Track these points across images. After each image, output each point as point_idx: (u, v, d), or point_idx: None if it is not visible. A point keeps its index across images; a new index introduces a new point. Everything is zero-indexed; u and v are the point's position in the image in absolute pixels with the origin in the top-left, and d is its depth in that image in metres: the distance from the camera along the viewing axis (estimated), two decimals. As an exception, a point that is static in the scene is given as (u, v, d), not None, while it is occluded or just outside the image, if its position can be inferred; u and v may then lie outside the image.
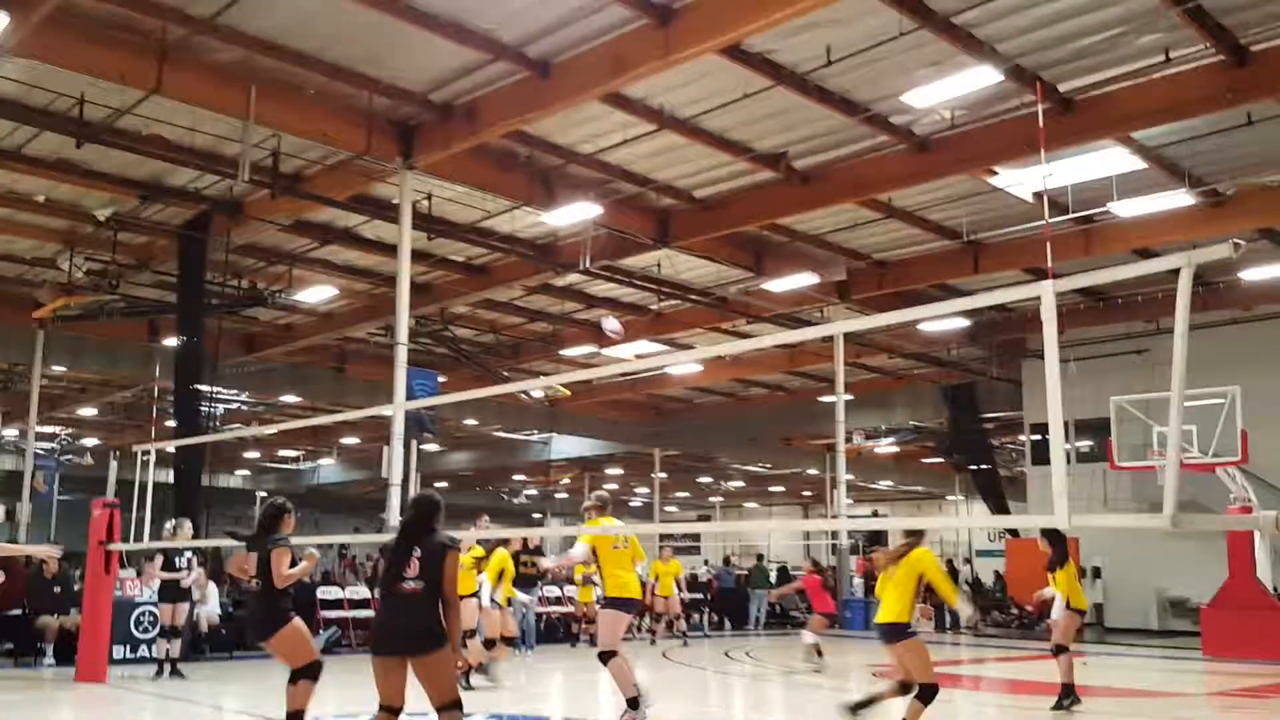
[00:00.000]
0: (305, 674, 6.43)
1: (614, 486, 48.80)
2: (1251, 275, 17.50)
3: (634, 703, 7.49)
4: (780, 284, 18.26)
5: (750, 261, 17.94)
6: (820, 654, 12.95)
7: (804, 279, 17.88)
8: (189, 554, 11.67)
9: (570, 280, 19.18)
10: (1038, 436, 23.52)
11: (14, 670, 11.93)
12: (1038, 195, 14.59)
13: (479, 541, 10.93)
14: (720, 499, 50.45)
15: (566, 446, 34.35)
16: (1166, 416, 4.27)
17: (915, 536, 7.06)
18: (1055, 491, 4.29)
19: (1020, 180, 14.28)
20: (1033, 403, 23.45)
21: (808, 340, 21.21)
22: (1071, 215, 15.06)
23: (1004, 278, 17.61)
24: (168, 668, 11.26)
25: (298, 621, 6.60)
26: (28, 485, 21.97)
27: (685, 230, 16.27)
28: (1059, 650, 9.30)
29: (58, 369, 23.60)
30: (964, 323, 21.67)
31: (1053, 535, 9.48)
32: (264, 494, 44.15)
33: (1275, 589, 15.66)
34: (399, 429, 14.07)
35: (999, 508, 26.22)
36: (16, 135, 13.36)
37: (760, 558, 26.27)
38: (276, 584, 6.50)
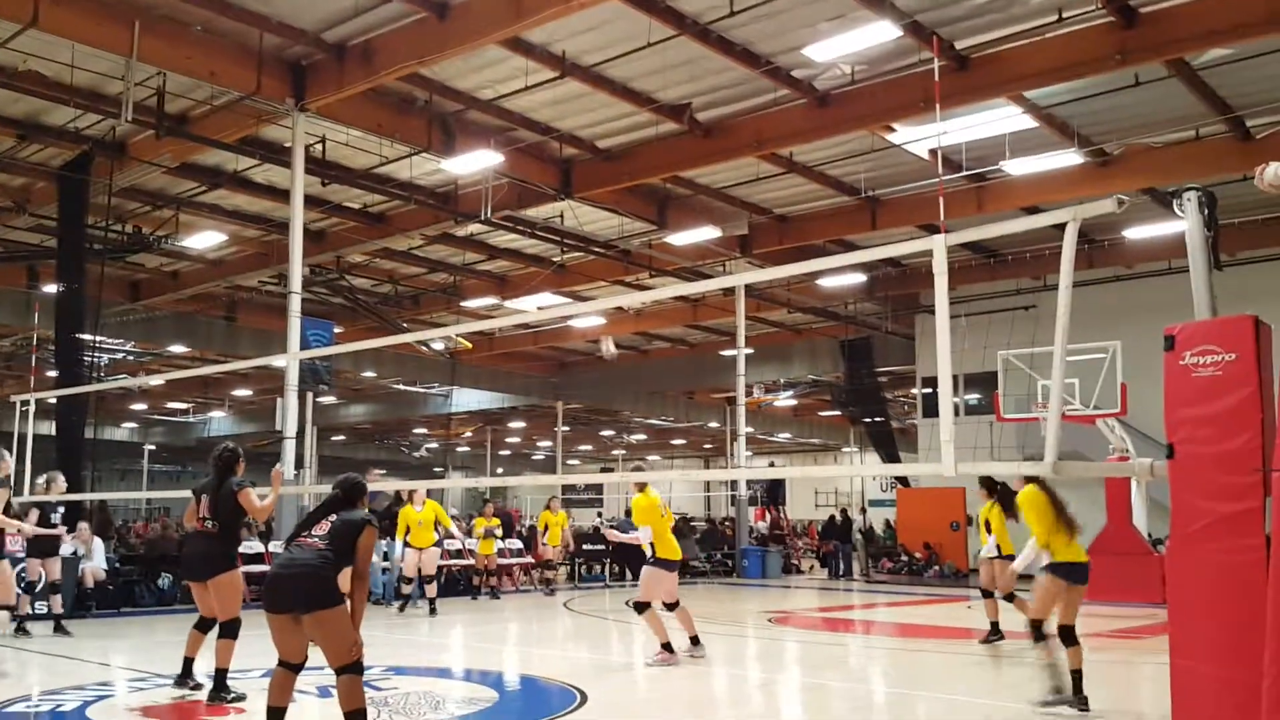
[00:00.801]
0: (230, 631, 6.72)
1: (515, 440, 48.73)
2: (1134, 233, 18.25)
3: (668, 646, 8.73)
4: (683, 237, 18.31)
5: (653, 214, 17.95)
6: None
7: (706, 232, 17.96)
8: (62, 509, 11.35)
9: (471, 230, 18.89)
10: (929, 390, 24.26)
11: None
12: (933, 152, 14.90)
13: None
14: (623, 452, 50.84)
15: (468, 399, 34.06)
16: (1050, 371, 4.43)
17: None
18: (943, 439, 4.42)
19: (916, 137, 14.56)
20: (925, 356, 24.15)
21: (709, 292, 21.43)
22: (965, 173, 15.44)
23: (900, 234, 18.00)
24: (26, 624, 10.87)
25: (240, 573, 6.98)
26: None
27: (588, 181, 16.15)
28: (1009, 598, 9.99)
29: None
30: (861, 278, 22.11)
31: (989, 483, 9.99)
32: (151, 447, 42.76)
33: (1149, 536, 16.50)
34: (293, 380, 13.75)
35: (890, 458, 27.04)
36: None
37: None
38: (257, 517, 7.15)
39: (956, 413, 4.78)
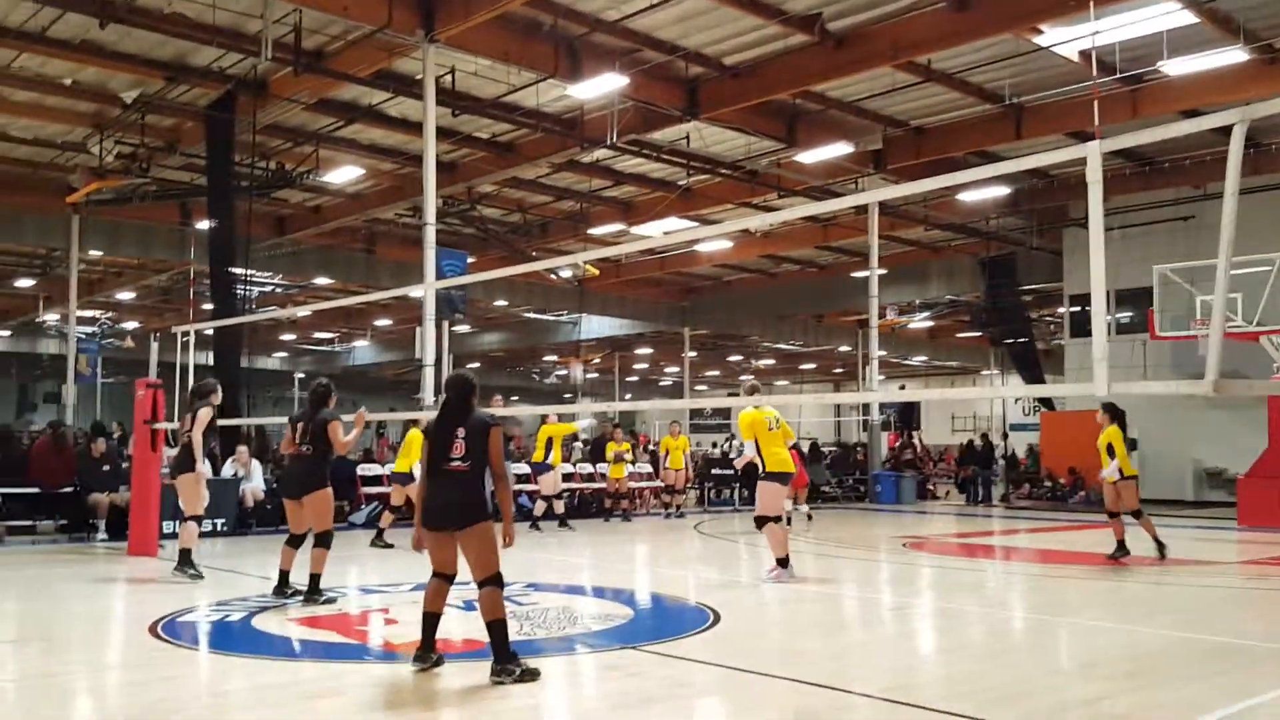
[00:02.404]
0: (324, 541, 7.56)
1: (643, 366, 49.11)
2: (1305, 137, 16.84)
3: (784, 561, 8.99)
4: (813, 155, 17.83)
5: (782, 132, 17.49)
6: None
7: (838, 149, 17.44)
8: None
9: (597, 156, 18.85)
10: (1077, 308, 23.19)
11: (68, 545, 12.38)
12: (1084, 54, 13.98)
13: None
14: (750, 377, 50.66)
15: (596, 326, 34.43)
16: (1211, 285, 4.13)
17: None
18: (1095, 358, 4.19)
19: (1066, 38, 13.68)
20: (1073, 273, 23.03)
21: (841, 211, 20.84)
22: (1119, 75, 14.46)
23: (1047, 143, 17.06)
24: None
25: (330, 491, 7.73)
26: (71, 369, 22.43)
27: (714, 101, 15.84)
28: (1113, 515, 10.64)
29: (94, 253, 23.80)
30: (1004, 190, 21.15)
31: (1111, 408, 10.42)
32: (301, 375, 44.90)
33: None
34: (430, 309, 14.11)
35: (1033, 380, 26.09)
36: (40, 17, 13.15)
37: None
38: (339, 450, 7.60)
39: (1108, 331, 4.51)
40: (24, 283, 28.02)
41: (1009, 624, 7.73)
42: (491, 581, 5.17)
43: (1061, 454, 21.76)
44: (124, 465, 13.14)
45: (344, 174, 19.33)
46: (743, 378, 10.36)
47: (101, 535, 12.71)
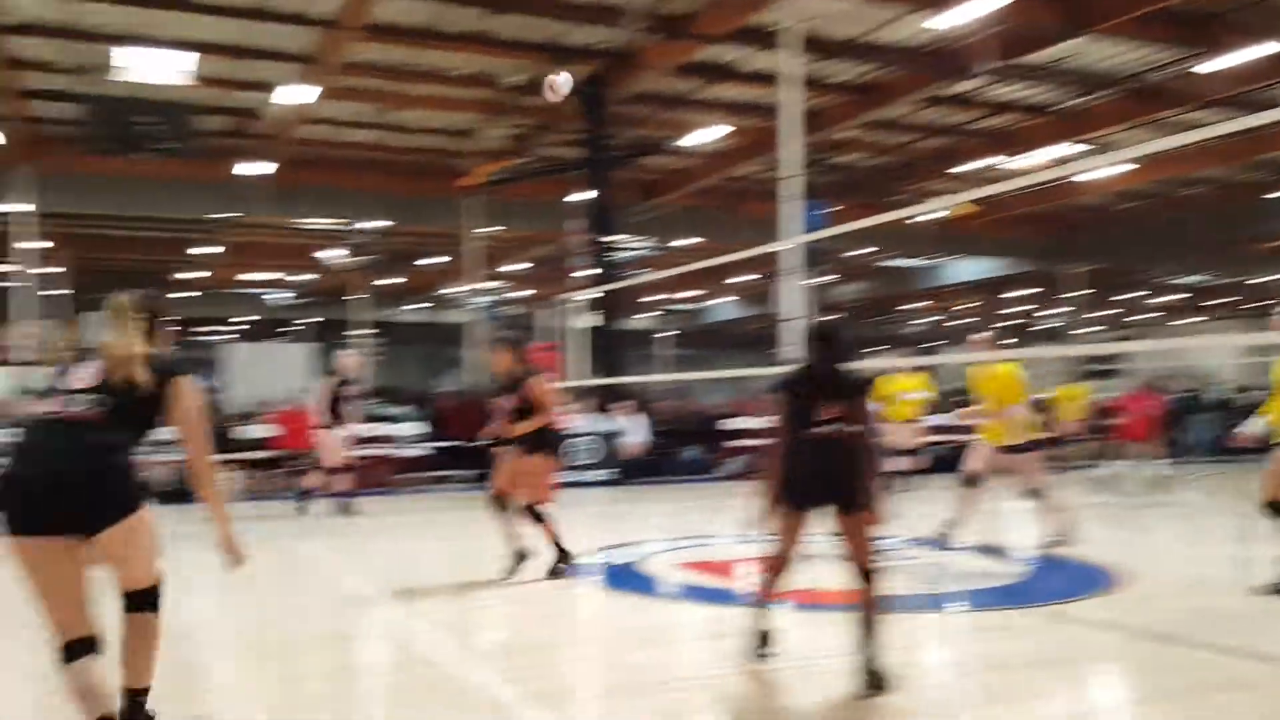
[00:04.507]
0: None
1: (1017, 309, 46.03)
2: None
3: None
4: (1221, 61, 15.54)
5: (1183, 38, 15.39)
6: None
7: (1253, 51, 15.07)
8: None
9: (965, 88, 17.72)
10: None
11: (480, 492, 13.77)
12: None
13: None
14: (1141, 316, 45.80)
15: (965, 270, 32.70)
16: None
17: None
18: None
19: None
20: None
21: (1261, 126, 18.05)
22: None
23: None
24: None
25: None
26: (474, 336, 24.98)
27: (1101, 10, 14.24)
28: None
29: (488, 230, 26.25)
30: None
31: None
32: (669, 333, 46.89)
33: None
34: (792, 263, 14.03)
35: None
36: (430, 13, 14.54)
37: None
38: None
39: None
40: (434, 260, 31.60)
41: None
42: (869, 575, 4.36)
43: None
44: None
45: (706, 135, 19.72)
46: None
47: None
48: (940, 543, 7.94)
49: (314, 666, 4.88)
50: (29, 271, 22.23)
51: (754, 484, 4.62)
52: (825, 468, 4.39)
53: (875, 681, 4.14)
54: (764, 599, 4.64)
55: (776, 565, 4.56)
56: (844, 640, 4.31)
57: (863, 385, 4.60)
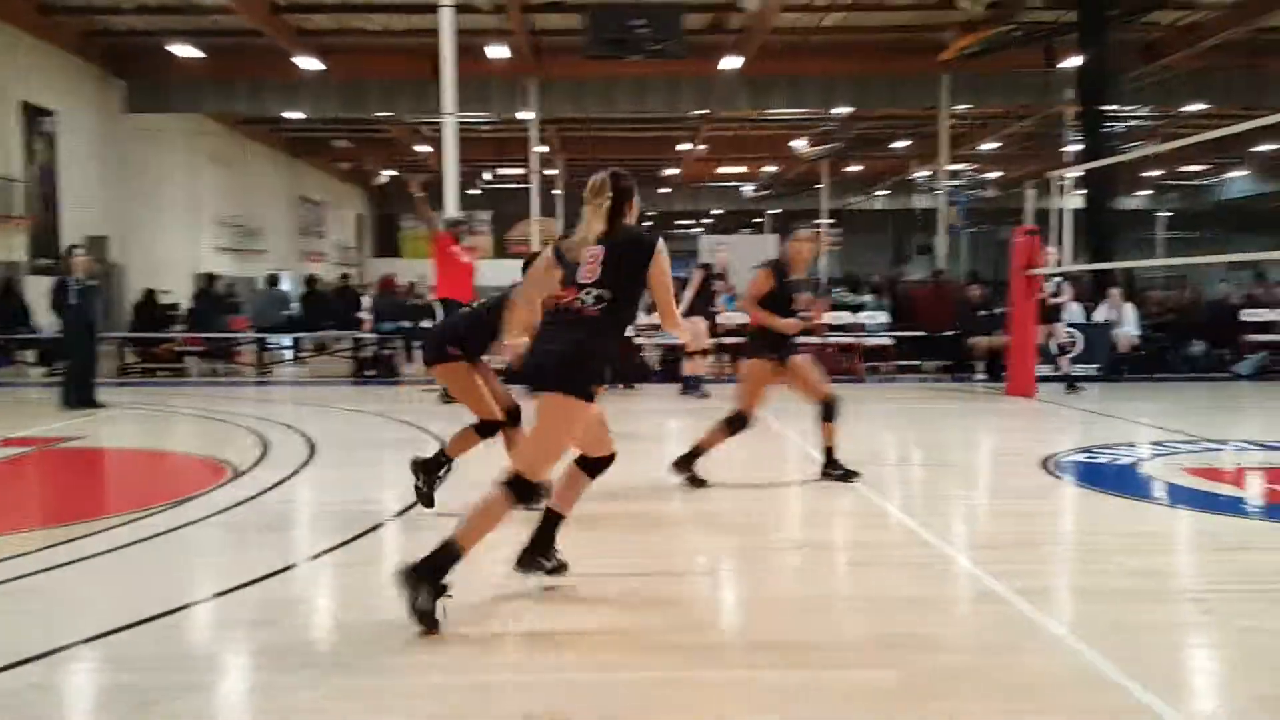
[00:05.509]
0: None
1: None
2: None
3: None
4: None
5: None
6: None
7: None
8: (1057, 279, 11.99)
9: None
10: None
11: (950, 384, 13.50)
12: None
13: None
14: None
15: None
16: None
17: None
18: None
19: None
20: None
21: None
22: None
23: None
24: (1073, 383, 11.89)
25: None
26: (943, 221, 24.12)
27: None
28: None
29: (961, 108, 24.94)
30: None
31: None
32: (1166, 214, 41.71)
33: None
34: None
35: None
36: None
37: None
38: None
39: None
40: (899, 144, 30.78)
41: None
42: None
43: None
44: (998, 311, 13.78)
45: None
46: None
47: (980, 376, 13.61)
48: None
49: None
50: (539, 173, 25.19)
51: None
52: None
53: None
54: None
55: None
56: None
57: None
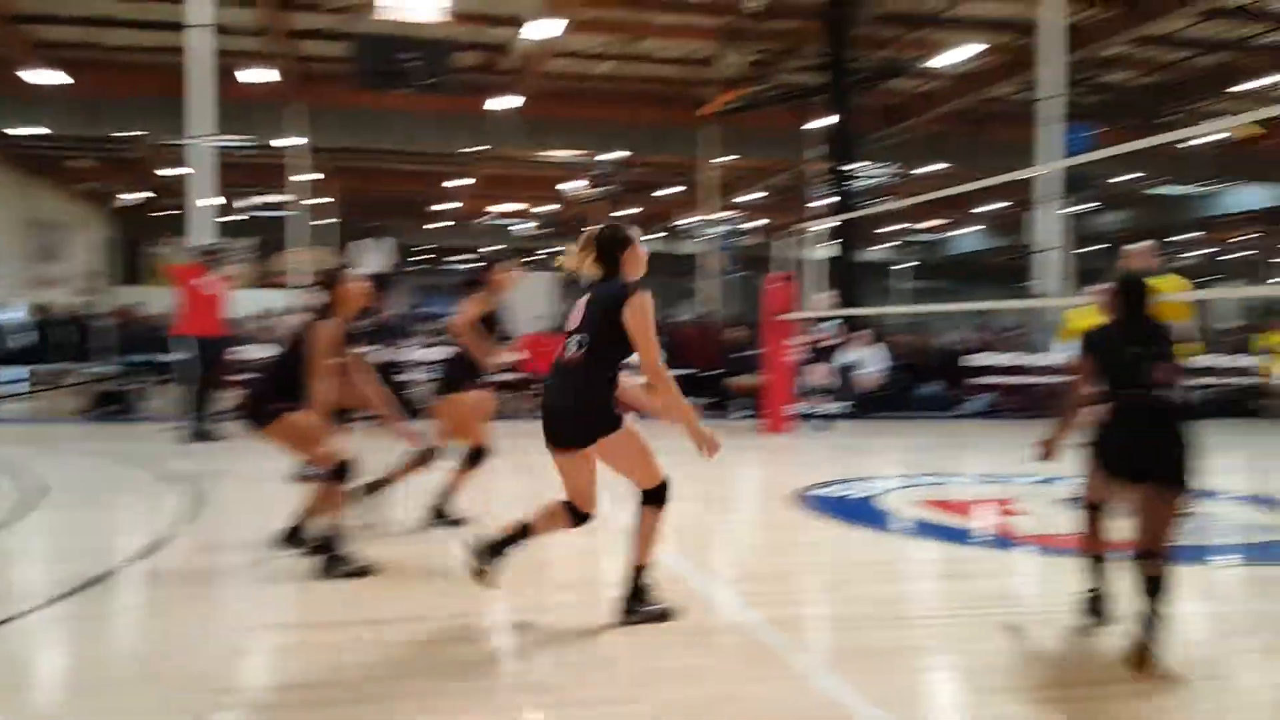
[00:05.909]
0: None
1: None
2: None
3: None
4: None
5: None
6: None
7: None
8: (836, 321, 12.74)
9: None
10: None
11: (715, 422, 14.00)
12: None
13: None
14: None
15: (1247, 199, 29.54)
16: None
17: None
18: None
19: None
20: None
21: None
22: None
23: None
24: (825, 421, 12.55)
25: None
26: (708, 266, 25.16)
27: None
28: None
29: (721, 160, 26.18)
30: None
31: None
32: (907, 265, 45.23)
33: None
34: (1049, 189, 13.22)
35: None
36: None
37: None
38: None
39: None
40: (669, 191, 31.92)
41: None
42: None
43: None
44: (756, 352, 14.43)
45: (955, 55, 18.73)
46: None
47: (743, 413, 14.18)
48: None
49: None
50: (302, 202, 24.30)
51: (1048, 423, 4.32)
52: (1147, 436, 3.88)
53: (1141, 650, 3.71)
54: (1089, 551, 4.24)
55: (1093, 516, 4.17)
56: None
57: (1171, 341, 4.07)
